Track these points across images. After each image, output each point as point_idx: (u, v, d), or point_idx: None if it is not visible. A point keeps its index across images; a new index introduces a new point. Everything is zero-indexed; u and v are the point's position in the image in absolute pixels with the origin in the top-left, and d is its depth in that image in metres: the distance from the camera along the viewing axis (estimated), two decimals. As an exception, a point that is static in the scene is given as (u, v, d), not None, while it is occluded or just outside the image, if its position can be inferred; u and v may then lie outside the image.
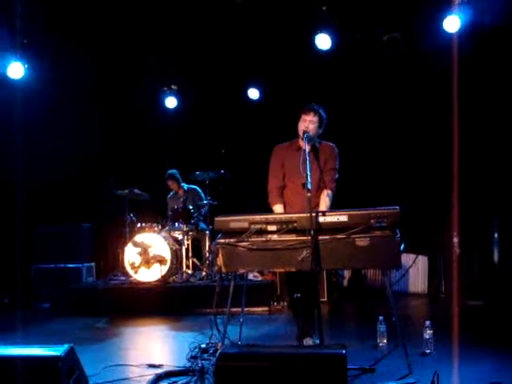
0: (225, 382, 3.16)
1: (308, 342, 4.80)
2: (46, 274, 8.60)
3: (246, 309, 5.12)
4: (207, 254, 8.17)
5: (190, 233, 8.28)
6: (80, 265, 8.64)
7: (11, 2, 7.13)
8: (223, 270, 4.24)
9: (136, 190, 8.37)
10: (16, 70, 8.13)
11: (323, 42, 7.71)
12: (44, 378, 3.23)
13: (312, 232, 3.98)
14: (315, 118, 4.87)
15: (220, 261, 4.18)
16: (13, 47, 8.04)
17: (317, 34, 7.69)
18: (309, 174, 4.26)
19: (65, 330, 6.61)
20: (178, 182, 8.78)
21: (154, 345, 5.91)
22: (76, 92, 8.88)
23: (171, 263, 7.73)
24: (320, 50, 7.79)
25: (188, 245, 8.31)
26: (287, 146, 5.07)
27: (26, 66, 8.20)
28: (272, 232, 4.16)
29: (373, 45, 7.86)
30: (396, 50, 7.72)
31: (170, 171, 8.77)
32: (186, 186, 8.87)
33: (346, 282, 8.63)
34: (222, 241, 4.19)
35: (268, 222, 4.16)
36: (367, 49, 8.01)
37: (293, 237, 4.11)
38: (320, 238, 4.02)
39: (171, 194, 8.96)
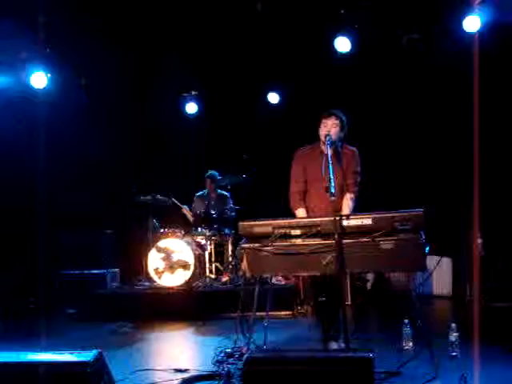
0: (252, 386, 3.17)
1: (333, 345, 4.80)
2: (71, 280, 8.69)
3: (270, 313, 5.12)
4: (230, 259, 8.19)
5: (213, 238, 8.30)
6: (104, 271, 8.71)
7: (33, 12, 7.22)
8: (248, 274, 4.26)
9: (159, 196, 8.42)
10: (39, 79, 8.25)
11: (342, 44, 7.70)
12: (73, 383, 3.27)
13: (336, 236, 3.98)
14: (336, 122, 4.87)
15: (244, 265, 4.20)
16: (35, 57, 8.18)
17: (336, 36, 7.69)
18: (332, 178, 4.27)
19: (90, 335, 6.67)
20: (215, 183, 8.79)
21: (179, 349, 5.93)
22: (98, 99, 8.97)
23: (195, 268, 7.77)
24: (339, 52, 7.78)
25: (211, 249, 8.34)
26: (309, 151, 5.06)
27: (49, 75, 8.33)
28: (296, 236, 4.17)
29: (392, 46, 7.82)
30: (416, 51, 7.67)
31: (212, 171, 8.79)
32: (218, 191, 8.90)
33: (369, 285, 8.58)
34: (247, 246, 4.20)
35: (292, 227, 4.16)
36: (386, 50, 7.98)
37: (317, 241, 4.12)
38: (344, 241, 4.02)
39: (201, 193, 8.94)
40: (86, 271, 8.69)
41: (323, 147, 4.79)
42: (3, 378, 3.34)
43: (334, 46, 7.73)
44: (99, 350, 3.43)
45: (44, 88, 8.31)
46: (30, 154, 8.43)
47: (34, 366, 3.33)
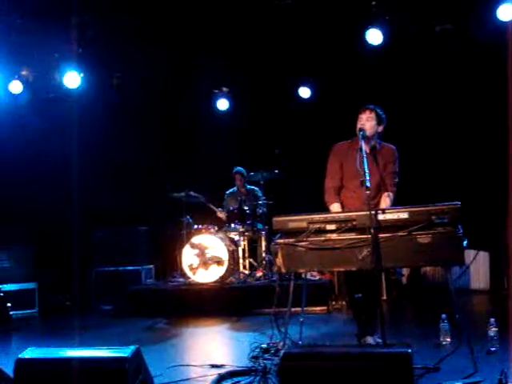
0: (289, 382, 3.16)
1: (369, 341, 4.76)
2: (106, 277, 8.79)
3: (305, 308, 5.10)
4: (263, 255, 8.19)
5: (247, 233, 8.32)
6: (139, 267, 8.78)
7: (66, 12, 7.30)
8: (283, 270, 4.24)
9: (192, 193, 8.46)
10: (72, 79, 8.35)
11: (374, 37, 7.61)
12: (111, 380, 3.29)
13: (372, 230, 3.94)
14: (372, 115, 4.81)
15: (279, 261, 4.18)
16: (68, 56, 8.27)
17: (367, 29, 7.61)
18: (367, 172, 4.21)
19: (126, 331, 6.74)
20: (244, 179, 8.82)
21: (214, 345, 5.96)
22: (130, 98, 9.04)
23: (228, 264, 7.78)
24: (371, 45, 7.70)
25: (244, 245, 8.36)
26: (347, 146, 4.98)
27: (82, 75, 8.42)
28: (331, 231, 4.13)
29: (425, 38, 7.70)
30: (449, 42, 7.54)
31: (239, 168, 8.83)
32: (247, 186, 8.92)
33: (404, 280, 8.50)
34: (281, 241, 4.18)
35: (327, 221, 4.13)
36: (419, 42, 7.86)
37: (352, 235, 4.08)
38: (380, 235, 3.97)
39: (231, 190, 8.99)
40: (121, 268, 8.77)
41: (360, 142, 4.74)
42: (42, 374, 3.39)
43: (365, 39, 7.65)
44: (137, 346, 3.45)
45: (77, 88, 8.41)
46: (65, 154, 8.55)
47: (72, 362, 3.37)
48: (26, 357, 3.44)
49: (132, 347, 3.40)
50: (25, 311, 8.15)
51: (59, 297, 8.73)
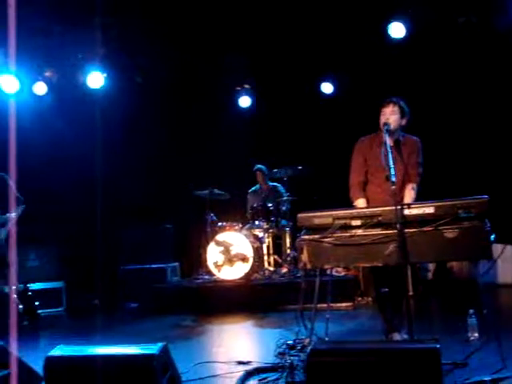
0: (316, 378, 3.14)
1: (396, 336, 4.73)
2: (133, 275, 8.87)
3: (330, 304, 5.08)
4: (288, 251, 8.18)
5: (271, 230, 8.32)
6: (165, 265, 8.85)
7: (89, 13, 7.36)
8: (308, 266, 4.22)
9: (216, 190, 8.48)
10: (95, 79, 8.43)
11: (397, 30, 7.57)
12: (140, 377, 3.32)
13: (398, 225, 3.91)
14: (395, 109, 4.77)
15: (305, 257, 4.16)
16: (92, 57, 8.35)
17: (390, 22, 7.55)
18: (392, 166, 4.18)
19: (153, 328, 6.79)
20: (265, 176, 8.82)
21: (240, 342, 5.98)
22: (153, 97, 9.10)
23: (253, 261, 7.79)
24: (394, 38, 7.64)
25: (269, 242, 8.36)
26: (370, 140, 4.95)
27: (105, 75, 8.49)
28: (356, 227, 4.10)
29: (448, 30, 7.61)
30: (472, 34, 7.44)
31: (259, 165, 8.84)
32: (270, 183, 8.91)
33: (430, 275, 8.42)
34: (307, 237, 4.16)
35: (352, 217, 4.10)
36: (442, 34, 7.77)
37: (378, 231, 4.04)
38: (406, 230, 3.93)
39: (253, 188, 8.99)
40: (146, 266, 8.85)
41: (383, 136, 4.70)
42: (71, 371, 3.43)
43: (388, 32, 7.59)
44: (164, 343, 3.47)
45: (101, 88, 8.48)
46: (90, 153, 8.61)
47: (101, 359, 3.40)
48: (56, 354, 3.49)
49: (160, 344, 3.42)
50: (52, 310, 8.26)
51: (86, 295, 8.83)
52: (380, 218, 4.07)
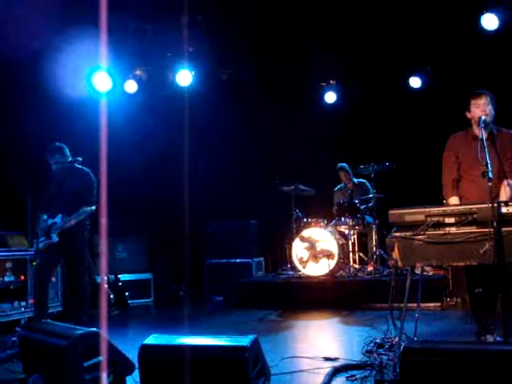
0: (409, 377, 3.09)
1: (489, 338, 4.56)
2: (218, 269, 9.05)
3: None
4: (374, 249, 8.07)
5: (357, 227, 8.24)
6: (250, 260, 8.95)
7: (178, 12, 7.52)
8: (399, 264, 4.14)
9: (301, 186, 8.47)
10: (184, 77, 8.61)
11: (489, 22, 7.30)
12: (231, 368, 3.37)
13: (494, 223, 3.77)
14: (487, 100, 4.61)
15: (396, 255, 4.08)
16: (180, 55, 8.52)
17: (482, 14, 7.29)
18: (489, 162, 4.04)
19: (238, 322, 6.88)
20: (348, 174, 8.77)
21: (326, 338, 5.95)
22: (238, 93, 9.20)
23: (339, 258, 7.75)
24: (486, 30, 7.37)
25: (354, 239, 8.28)
26: (461, 137, 4.83)
27: (193, 72, 8.65)
28: (450, 224, 3.98)
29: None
30: None
31: (342, 164, 8.79)
32: (355, 180, 8.84)
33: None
34: (398, 234, 4.08)
35: (446, 214, 3.99)
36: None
37: (473, 229, 3.90)
38: (503, 229, 3.79)
39: (339, 186, 8.96)
40: (232, 260, 8.98)
41: (476, 131, 4.55)
42: (164, 360, 3.52)
43: (480, 24, 7.33)
44: (255, 336, 3.50)
45: (189, 85, 8.65)
46: (178, 149, 8.80)
47: (194, 349, 3.47)
48: (150, 343, 3.59)
49: (251, 336, 3.45)
50: (141, 300, 8.52)
51: (173, 287, 9.06)
52: (475, 216, 3.93)
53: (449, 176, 4.84)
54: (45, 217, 5.95)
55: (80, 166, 6.05)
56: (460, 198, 4.78)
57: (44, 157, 6.10)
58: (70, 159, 6.02)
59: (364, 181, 8.73)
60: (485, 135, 4.40)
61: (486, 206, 3.87)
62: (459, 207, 4.10)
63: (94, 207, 5.86)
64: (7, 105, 7.43)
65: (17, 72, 7.14)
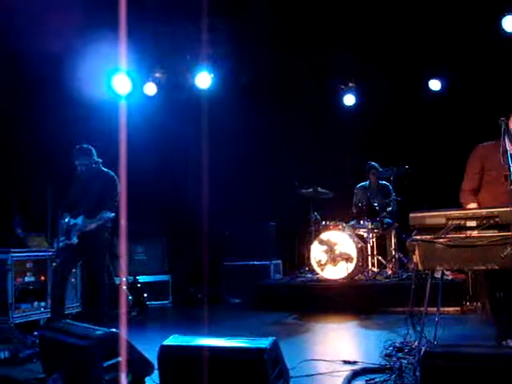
0: (430, 381, 3.07)
1: (510, 343, 4.52)
2: (236, 271, 9.04)
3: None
4: (393, 252, 8.02)
5: (376, 230, 8.20)
6: (267, 262, 8.94)
7: (197, 15, 7.54)
8: (420, 267, 4.12)
9: (319, 189, 8.44)
10: (203, 79, 8.63)
11: (511, 24, 7.24)
12: (251, 369, 3.36)
13: (517, 227, 3.74)
14: None
15: (416, 258, 4.06)
16: (200, 58, 8.55)
17: (504, 16, 7.23)
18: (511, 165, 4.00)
19: (255, 324, 6.87)
20: (378, 174, 8.68)
21: (344, 341, 5.93)
22: (257, 96, 9.20)
23: (357, 261, 7.71)
24: (508, 32, 7.31)
25: (373, 242, 8.24)
26: (491, 147, 4.73)
27: (212, 75, 8.67)
28: (471, 228, 3.96)
29: None
30: None
31: (373, 163, 8.67)
32: (380, 182, 8.77)
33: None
34: (419, 237, 4.06)
35: (467, 218, 3.96)
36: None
37: (495, 232, 3.88)
38: (525, 233, 3.76)
39: (362, 184, 8.82)
40: (250, 262, 8.97)
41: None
42: (184, 360, 3.52)
43: (502, 27, 7.27)
44: (274, 338, 3.50)
45: (208, 88, 8.68)
46: (196, 151, 8.85)
47: (214, 350, 3.47)
48: (170, 343, 3.60)
49: (270, 338, 3.45)
50: (159, 302, 8.55)
51: (191, 289, 9.07)
52: (497, 219, 3.90)
53: (469, 186, 4.81)
54: (67, 217, 6.00)
55: (106, 170, 6.10)
56: (478, 205, 4.72)
57: (65, 158, 6.15)
58: (96, 161, 6.08)
59: (387, 184, 8.62)
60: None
61: (508, 209, 3.85)
62: (481, 210, 4.07)
63: (113, 214, 5.90)
64: (29, 107, 7.50)
65: (38, 74, 7.21)
